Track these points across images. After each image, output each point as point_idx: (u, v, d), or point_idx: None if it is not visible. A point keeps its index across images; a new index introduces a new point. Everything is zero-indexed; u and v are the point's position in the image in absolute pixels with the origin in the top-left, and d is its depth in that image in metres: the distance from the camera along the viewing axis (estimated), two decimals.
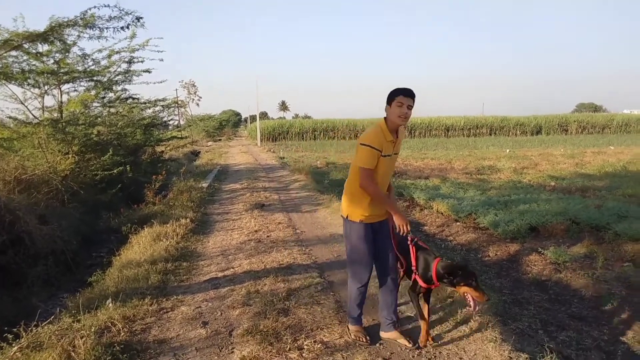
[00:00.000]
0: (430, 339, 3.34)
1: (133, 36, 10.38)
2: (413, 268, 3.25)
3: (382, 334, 3.44)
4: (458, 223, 8.52)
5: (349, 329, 3.50)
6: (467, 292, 3.00)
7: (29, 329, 3.39)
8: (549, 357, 2.99)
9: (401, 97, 2.97)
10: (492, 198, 9.90)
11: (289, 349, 3.25)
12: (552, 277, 5.74)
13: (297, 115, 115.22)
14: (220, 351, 3.32)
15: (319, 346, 3.30)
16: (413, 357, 3.22)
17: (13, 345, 3.18)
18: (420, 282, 3.22)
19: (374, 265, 3.36)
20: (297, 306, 4.08)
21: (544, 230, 7.30)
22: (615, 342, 4.20)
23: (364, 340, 3.34)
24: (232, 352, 3.29)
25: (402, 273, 3.53)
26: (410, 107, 3.00)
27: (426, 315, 3.33)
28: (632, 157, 20.12)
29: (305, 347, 3.30)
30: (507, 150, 27.70)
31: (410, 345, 3.27)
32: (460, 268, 3.08)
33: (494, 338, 3.39)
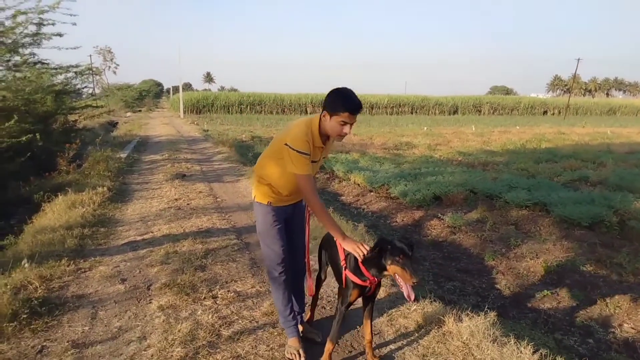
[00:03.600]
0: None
1: None
2: (342, 264, 2.63)
3: None
4: (372, 193, 9.17)
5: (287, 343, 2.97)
6: (396, 273, 2.41)
7: None
8: (428, 296, 3.54)
9: (348, 115, 2.45)
10: (404, 171, 10.67)
11: (204, 298, 3.58)
12: (447, 238, 6.49)
13: (222, 88, 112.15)
14: (139, 302, 3.56)
15: (232, 294, 3.65)
16: None
17: None
18: (353, 278, 2.57)
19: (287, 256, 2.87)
20: (213, 263, 4.38)
21: (446, 199, 8.09)
22: (490, 289, 4.96)
23: (297, 358, 2.82)
24: (150, 302, 3.54)
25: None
26: (353, 125, 2.53)
27: (369, 333, 2.76)
28: (531, 137, 22.17)
29: (219, 295, 3.64)
30: (425, 128, 29.23)
31: (319, 340, 2.98)
32: (385, 242, 2.48)
33: (386, 286, 3.91)
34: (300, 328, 3.01)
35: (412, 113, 62.65)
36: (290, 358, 2.83)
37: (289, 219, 2.88)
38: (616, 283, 4.87)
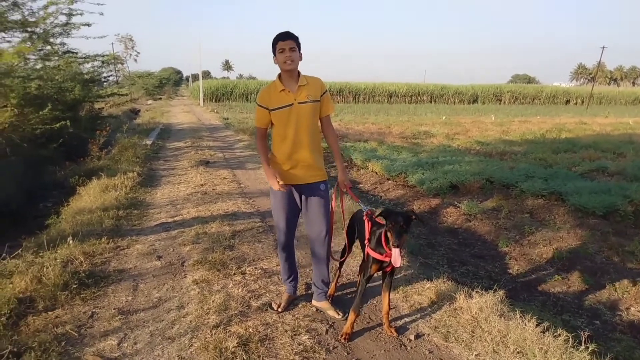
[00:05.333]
0: (393, 331, 3.06)
1: None
2: (366, 242, 2.95)
3: (314, 302, 3.39)
4: (390, 181, 9.38)
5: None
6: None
7: None
8: (441, 277, 3.78)
9: (280, 43, 2.91)
10: (422, 160, 10.80)
11: (234, 274, 3.91)
12: (463, 225, 6.69)
13: (241, 76, 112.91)
14: (175, 277, 3.91)
15: (259, 271, 3.99)
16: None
17: None
18: (372, 253, 2.87)
19: (294, 231, 3.32)
20: (240, 243, 4.72)
21: (462, 187, 8.25)
22: (503, 274, 5.17)
23: (275, 307, 3.34)
24: (185, 277, 3.89)
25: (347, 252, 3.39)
26: (293, 50, 2.90)
27: (386, 305, 3.03)
28: (551, 127, 21.96)
29: (247, 272, 3.97)
30: (444, 117, 29.06)
31: (339, 317, 3.21)
32: (386, 211, 2.81)
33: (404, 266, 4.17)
34: (325, 305, 3.33)
35: (431, 102, 62.11)
36: (272, 305, 3.37)
37: (304, 203, 3.16)
38: (626, 270, 5.02)
